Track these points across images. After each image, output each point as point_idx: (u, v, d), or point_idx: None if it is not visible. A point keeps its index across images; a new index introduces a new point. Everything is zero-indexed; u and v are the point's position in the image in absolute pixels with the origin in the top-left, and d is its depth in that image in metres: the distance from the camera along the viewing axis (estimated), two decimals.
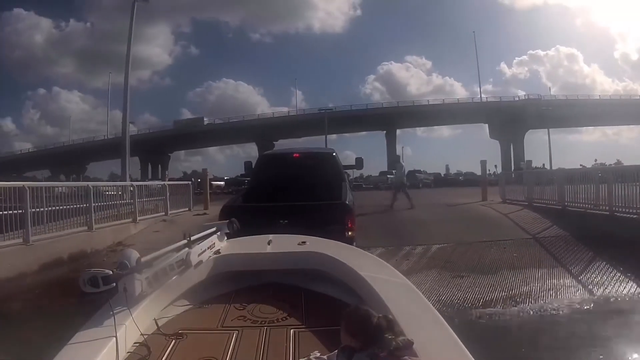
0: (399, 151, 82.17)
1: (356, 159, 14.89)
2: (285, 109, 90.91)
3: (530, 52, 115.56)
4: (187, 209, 19.74)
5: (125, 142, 29.33)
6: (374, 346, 2.18)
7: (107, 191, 15.75)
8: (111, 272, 2.77)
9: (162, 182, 20.36)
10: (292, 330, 3.10)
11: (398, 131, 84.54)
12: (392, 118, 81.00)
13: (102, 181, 44.49)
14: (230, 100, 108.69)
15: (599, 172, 14.86)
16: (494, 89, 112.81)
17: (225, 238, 4.38)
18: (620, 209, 12.36)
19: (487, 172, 25.37)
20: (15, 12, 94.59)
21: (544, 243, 12.17)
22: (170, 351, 2.81)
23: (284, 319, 3.30)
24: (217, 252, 4.07)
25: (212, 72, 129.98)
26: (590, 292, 9.33)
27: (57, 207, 11.71)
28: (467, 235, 13.14)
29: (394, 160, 20.07)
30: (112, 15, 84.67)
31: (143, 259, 3.00)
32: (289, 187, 9.52)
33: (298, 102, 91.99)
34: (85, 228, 12.48)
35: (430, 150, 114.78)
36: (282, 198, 9.00)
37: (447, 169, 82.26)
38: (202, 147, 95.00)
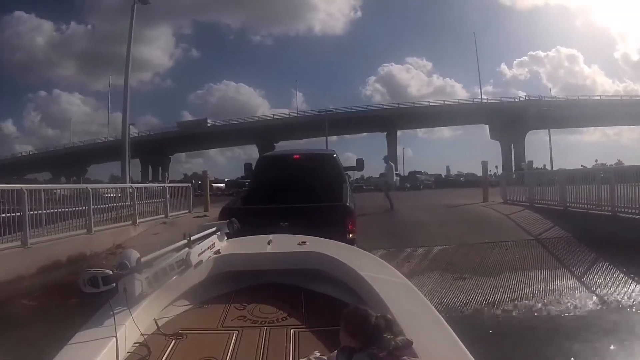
0: (399, 152, 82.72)
1: (357, 160, 14.84)
2: (286, 111, 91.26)
3: (531, 53, 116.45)
4: (187, 211, 19.69)
5: (125, 144, 29.28)
6: (374, 346, 2.17)
7: (107, 193, 15.70)
8: (111, 272, 2.75)
9: (162, 184, 20.30)
10: (292, 330, 3.10)
11: (399, 132, 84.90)
12: (393, 119, 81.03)
13: (103, 183, 44.55)
14: (231, 102, 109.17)
15: (601, 173, 14.74)
16: (494, 90, 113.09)
17: (225, 238, 4.37)
18: (622, 210, 12.29)
19: (488, 173, 25.22)
20: (17, 14, 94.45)
21: (546, 244, 12.07)
22: (170, 351, 2.81)
23: (284, 319, 3.29)
24: (217, 252, 4.06)
25: (213, 74, 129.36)
26: (594, 293, 9.21)
27: (56, 210, 11.65)
28: (469, 236, 13.06)
29: (384, 159, 19.83)
30: (112, 17, 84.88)
31: (143, 259, 2.99)
32: (289, 189, 9.45)
33: (299, 103, 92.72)
34: (85, 231, 12.43)
35: (431, 151, 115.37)
36: (282, 200, 8.94)
37: (448, 170, 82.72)
38: (204, 148, 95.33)
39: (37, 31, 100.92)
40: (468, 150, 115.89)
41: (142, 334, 2.83)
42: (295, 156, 11.56)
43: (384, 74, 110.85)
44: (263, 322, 3.23)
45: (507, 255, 11.43)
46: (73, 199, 12.65)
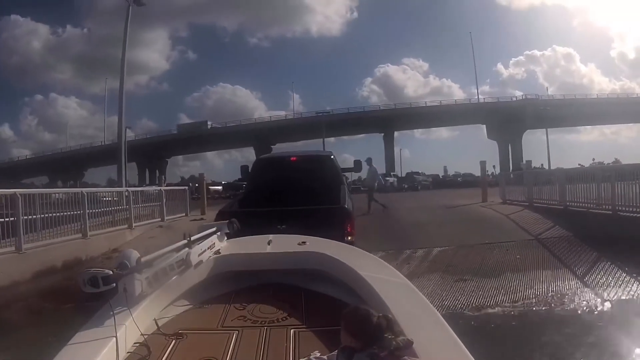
0: (397, 153, 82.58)
1: (354, 161, 14.76)
2: (282, 113, 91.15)
3: (527, 52, 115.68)
4: (184, 214, 19.61)
5: (121, 147, 29.18)
6: (374, 346, 2.15)
7: (104, 197, 15.58)
8: (111, 272, 2.72)
9: (159, 188, 20.19)
10: (292, 330, 3.08)
11: (396, 133, 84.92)
12: (390, 120, 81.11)
13: (100, 187, 44.42)
14: (228, 105, 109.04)
15: (602, 171, 14.64)
16: (491, 89, 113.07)
17: (225, 238, 4.36)
18: (623, 208, 12.22)
19: (486, 173, 25.19)
20: (12, 18, 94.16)
21: (547, 244, 12.03)
22: (170, 351, 2.79)
23: (284, 319, 3.28)
24: (217, 252, 4.06)
25: (210, 76, 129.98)
26: (596, 293, 9.18)
27: (51, 214, 11.52)
28: (469, 237, 13.01)
29: (367, 162, 19.58)
30: (109, 21, 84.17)
31: (143, 259, 2.97)
32: (286, 191, 9.35)
33: (296, 105, 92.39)
34: (80, 235, 12.29)
35: (428, 151, 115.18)
36: (280, 202, 8.81)
37: (445, 170, 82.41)
38: (203, 151, 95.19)
39: (33, 35, 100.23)
40: (465, 151, 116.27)
41: (142, 334, 2.81)
42: (292, 158, 11.47)
43: (381, 75, 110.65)
44: (263, 322, 3.21)
45: (507, 255, 11.37)
46: (68, 203, 12.53)
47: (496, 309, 8.74)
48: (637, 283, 9.30)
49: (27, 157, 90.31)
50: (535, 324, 8.08)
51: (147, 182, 73.24)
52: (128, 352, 2.65)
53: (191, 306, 3.51)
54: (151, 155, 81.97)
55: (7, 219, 10.01)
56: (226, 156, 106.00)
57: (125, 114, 30.92)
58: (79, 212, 12.42)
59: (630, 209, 11.90)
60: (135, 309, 2.83)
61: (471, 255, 11.48)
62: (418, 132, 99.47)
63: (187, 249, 3.49)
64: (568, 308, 8.63)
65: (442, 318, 2.78)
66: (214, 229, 4.20)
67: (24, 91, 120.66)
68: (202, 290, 3.71)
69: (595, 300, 8.87)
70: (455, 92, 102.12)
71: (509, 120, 74.40)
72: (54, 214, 11.70)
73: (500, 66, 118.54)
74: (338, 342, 2.35)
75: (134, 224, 15.14)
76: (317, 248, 4.15)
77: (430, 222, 15.45)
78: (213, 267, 3.89)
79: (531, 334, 7.67)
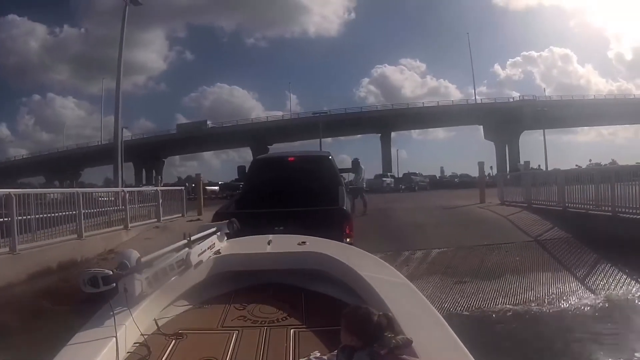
0: (394, 154, 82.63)
1: (352, 162, 14.68)
2: (280, 113, 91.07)
3: (524, 53, 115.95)
4: (180, 215, 19.53)
5: (118, 147, 29.07)
6: (374, 344, 2.17)
7: (101, 197, 15.50)
8: (111, 272, 2.70)
9: (155, 188, 20.10)
10: (292, 330, 3.08)
11: (393, 134, 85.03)
12: (387, 121, 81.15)
13: (97, 187, 44.30)
14: (225, 105, 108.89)
15: (601, 172, 14.62)
16: (488, 90, 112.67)
17: (225, 238, 4.36)
18: (623, 210, 12.17)
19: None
20: (9, 18, 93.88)
21: (547, 246, 12.00)
22: (170, 351, 2.78)
23: (284, 319, 3.27)
24: (217, 252, 4.05)
25: (207, 76, 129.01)
26: (597, 295, 9.15)
27: (46, 215, 11.46)
28: (468, 238, 12.96)
29: (354, 163, 19.38)
30: (106, 21, 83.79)
31: (143, 259, 2.95)
32: (283, 192, 9.26)
33: (293, 106, 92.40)
34: (75, 236, 12.22)
35: (425, 152, 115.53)
36: (277, 203, 8.72)
37: (442, 171, 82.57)
38: (201, 151, 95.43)
39: (30, 34, 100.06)
40: (462, 151, 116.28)
41: (142, 334, 2.80)
42: (289, 158, 11.39)
43: (378, 75, 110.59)
44: (263, 322, 3.21)
45: (507, 257, 11.34)
46: (63, 204, 12.45)
47: (496, 311, 8.68)
48: (639, 285, 9.25)
49: (24, 156, 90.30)
50: (536, 327, 8.04)
51: (144, 182, 73.15)
52: (128, 352, 2.64)
53: (191, 306, 3.51)
54: (148, 155, 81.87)
55: (2, 220, 9.95)
56: (223, 156, 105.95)
57: (122, 114, 30.93)
58: (74, 212, 12.33)
59: (631, 211, 11.86)
60: (135, 309, 2.83)
61: (470, 257, 11.42)
62: (415, 133, 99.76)
63: (187, 249, 3.49)
64: (569, 310, 8.60)
65: (442, 318, 2.78)
66: (214, 229, 4.19)
67: (21, 91, 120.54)
68: (202, 290, 3.70)
69: (596, 303, 8.82)
70: (453, 92, 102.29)
71: (506, 121, 74.53)
72: (49, 215, 11.61)
73: (497, 67, 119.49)
74: (338, 342, 2.35)
75: (130, 225, 15.07)
76: (317, 248, 4.15)
77: (429, 223, 15.39)
78: (213, 267, 3.88)
79: (532, 336, 7.67)
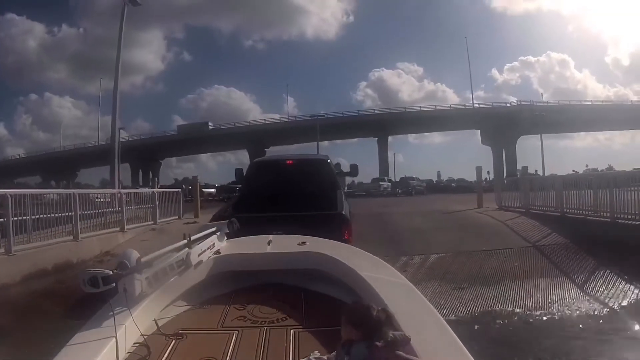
0: (390, 158, 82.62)
1: (350, 165, 14.68)
2: (277, 116, 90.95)
3: (522, 58, 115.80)
4: (177, 217, 19.51)
5: (115, 148, 28.98)
6: (373, 338, 2.20)
7: (97, 198, 15.42)
8: (111, 272, 2.71)
9: (152, 190, 20.04)
10: (292, 330, 3.10)
11: (390, 138, 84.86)
12: (384, 124, 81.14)
13: (93, 187, 44.21)
14: (222, 107, 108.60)
15: (600, 178, 14.58)
16: (485, 95, 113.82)
17: (225, 238, 4.37)
18: (622, 215, 12.17)
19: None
20: (8, 16, 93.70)
21: (545, 251, 11.98)
22: (170, 351, 2.80)
23: (284, 319, 3.30)
24: (217, 252, 4.08)
25: (205, 78, 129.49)
26: (596, 301, 9.12)
27: (42, 216, 11.38)
28: (466, 244, 12.94)
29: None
30: (104, 21, 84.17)
31: (143, 259, 2.96)
32: (281, 196, 9.19)
33: (290, 108, 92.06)
34: (71, 237, 12.14)
35: (422, 156, 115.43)
36: (275, 207, 8.67)
37: (439, 175, 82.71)
38: (200, 153, 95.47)
39: (28, 34, 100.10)
40: (459, 156, 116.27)
41: (142, 334, 2.81)
42: (288, 161, 11.29)
43: (375, 78, 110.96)
44: (263, 322, 3.23)
45: (505, 263, 11.32)
46: (60, 205, 12.37)
47: (495, 317, 8.64)
48: (638, 290, 9.21)
49: (21, 156, 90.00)
50: (535, 333, 7.99)
51: (141, 183, 73.04)
52: (128, 352, 2.65)
53: (191, 306, 3.52)
54: (145, 156, 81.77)
55: None
56: (220, 159, 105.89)
57: (119, 115, 30.77)
58: (70, 213, 12.25)
59: (630, 216, 11.85)
60: (135, 309, 2.83)
61: (469, 262, 11.39)
62: (412, 137, 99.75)
63: (187, 249, 3.50)
64: (568, 316, 8.55)
65: (441, 318, 2.80)
66: (213, 229, 4.20)
67: (19, 90, 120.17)
68: (202, 290, 3.72)
69: (596, 309, 8.79)
70: (450, 97, 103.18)
71: (503, 125, 74.63)
72: (45, 216, 11.54)
73: (495, 71, 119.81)
74: (338, 342, 2.38)
75: (126, 227, 15.01)
76: (317, 248, 4.17)
77: (427, 228, 15.37)
78: (213, 267, 3.90)
79: (530, 342, 7.60)
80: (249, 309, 3.43)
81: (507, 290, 9.67)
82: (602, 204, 13.11)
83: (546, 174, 41.95)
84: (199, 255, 3.64)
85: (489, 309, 8.95)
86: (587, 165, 61.66)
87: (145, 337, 2.81)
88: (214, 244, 4.04)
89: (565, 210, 15.06)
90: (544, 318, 8.52)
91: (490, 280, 10.27)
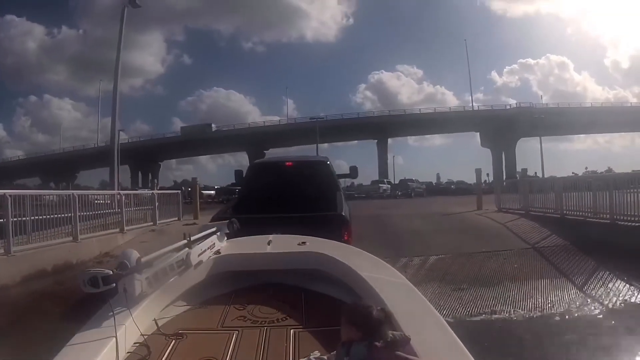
0: (390, 160, 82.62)
1: (350, 167, 14.61)
2: (276, 118, 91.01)
3: (521, 60, 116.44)
4: (176, 218, 19.51)
5: (114, 150, 28.96)
6: (373, 337, 2.21)
7: (97, 199, 15.40)
8: (111, 272, 2.70)
9: (151, 191, 20.04)
10: (292, 330, 3.10)
11: (389, 140, 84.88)
12: (384, 127, 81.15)
13: (93, 189, 44.15)
14: (222, 109, 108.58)
15: (599, 180, 14.60)
16: (485, 97, 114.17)
17: (225, 238, 4.38)
18: (621, 217, 12.18)
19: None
20: (8, 18, 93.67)
21: (545, 253, 12.00)
22: (170, 351, 2.80)
23: (284, 319, 3.29)
24: (217, 252, 4.07)
25: (204, 80, 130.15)
26: (596, 302, 9.10)
27: (41, 217, 11.36)
28: (465, 245, 12.95)
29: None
30: (104, 23, 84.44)
31: (143, 259, 2.96)
32: (281, 197, 9.18)
33: (290, 110, 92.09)
34: (70, 238, 12.11)
35: (422, 159, 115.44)
36: (274, 209, 8.63)
37: (438, 177, 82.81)
38: (200, 155, 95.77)
39: (28, 35, 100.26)
40: (458, 158, 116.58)
41: (142, 334, 2.81)
42: (287, 163, 11.27)
43: (375, 81, 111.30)
44: (263, 322, 3.23)
45: (505, 264, 11.33)
46: (59, 206, 12.36)
47: (494, 318, 8.63)
48: (637, 292, 9.21)
49: (20, 157, 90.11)
50: (534, 334, 7.96)
51: (140, 185, 73.03)
52: (128, 352, 2.65)
53: (191, 306, 3.52)
54: (144, 158, 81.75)
55: None
56: (219, 161, 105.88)
57: (119, 117, 30.75)
58: (69, 214, 12.23)
59: (630, 218, 11.86)
60: (135, 309, 2.83)
61: (468, 263, 11.40)
62: (411, 139, 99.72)
63: (187, 249, 3.49)
64: (567, 318, 8.52)
65: (442, 318, 2.80)
66: (214, 229, 4.21)
67: (18, 92, 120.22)
68: (202, 290, 3.71)
69: (595, 310, 8.78)
70: (450, 99, 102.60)
71: (502, 128, 74.65)
72: (45, 217, 11.53)
73: (494, 74, 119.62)
74: (338, 342, 2.38)
75: (125, 228, 15.00)
76: (317, 248, 4.17)
77: (426, 230, 15.40)
78: (213, 267, 3.90)
79: (530, 344, 7.58)
80: (249, 309, 3.43)
81: (506, 292, 9.66)
82: (601, 205, 13.12)
83: (546, 177, 41.85)
84: (199, 256, 3.63)
85: (489, 309, 8.93)
86: (586, 168, 61.90)
87: (145, 337, 2.81)
88: (214, 244, 4.04)
89: (564, 212, 15.07)
90: (544, 319, 8.50)
91: (489, 281, 10.27)
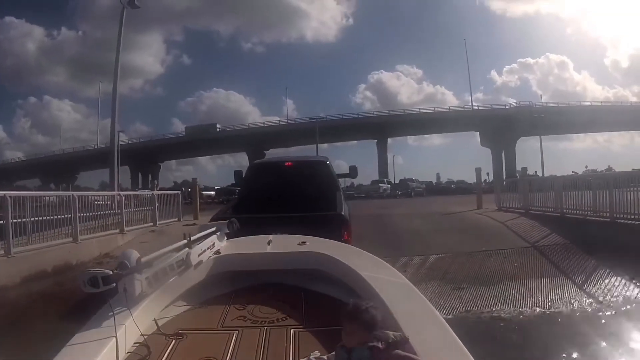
0: (390, 160, 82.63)
1: (350, 167, 14.61)
2: (276, 118, 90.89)
3: (521, 60, 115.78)
4: (176, 219, 19.50)
5: (114, 151, 28.97)
6: (374, 339, 2.21)
7: (97, 200, 15.40)
8: (111, 272, 2.71)
9: (151, 192, 20.04)
10: (292, 330, 3.09)
11: (389, 140, 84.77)
12: (384, 127, 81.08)
13: (93, 190, 44.16)
14: (222, 110, 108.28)
15: (599, 179, 14.61)
16: (484, 97, 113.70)
17: (225, 238, 4.38)
18: (621, 216, 12.19)
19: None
20: (7, 20, 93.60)
21: (545, 251, 11.97)
22: (170, 351, 2.79)
23: (284, 319, 3.29)
24: (217, 252, 4.07)
25: (204, 81, 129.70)
26: (596, 301, 9.11)
27: (42, 218, 11.38)
28: (466, 244, 12.95)
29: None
30: (103, 24, 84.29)
31: (143, 259, 2.96)
32: (281, 197, 9.19)
33: (289, 111, 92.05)
34: (70, 239, 12.11)
35: (421, 158, 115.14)
36: (274, 209, 8.63)
37: (438, 177, 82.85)
38: (200, 155, 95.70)
39: (27, 36, 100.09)
40: (458, 158, 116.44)
41: (142, 334, 2.80)
42: (287, 163, 11.27)
43: (375, 81, 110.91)
44: (263, 322, 3.22)
45: (505, 263, 11.32)
46: (59, 207, 12.35)
47: (494, 317, 8.62)
48: (638, 290, 9.20)
49: (20, 159, 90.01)
50: (534, 332, 7.96)
51: (140, 186, 73.05)
52: (128, 352, 2.65)
53: (191, 306, 3.51)
54: (144, 159, 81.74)
55: None
56: (219, 161, 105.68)
57: (118, 118, 30.76)
58: (69, 215, 12.23)
59: (629, 216, 11.87)
60: (135, 309, 2.83)
61: (468, 263, 11.39)
62: (411, 139, 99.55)
63: (187, 249, 3.49)
64: (568, 316, 8.52)
65: (442, 318, 2.79)
66: (213, 229, 4.21)
67: (18, 93, 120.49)
68: (202, 290, 3.71)
69: (596, 309, 8.78)
70: (449, 99, 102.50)
71: (502, 127, 74.62)
72: (45, 218, 11.52)
73: (494, 73, 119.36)
74: (338, 342, 2.38)
75: (125, 229, 14.99)
76: (317, 248, 4.16)
77: (426, 229, 15.41)
78: (213, 267, 3.90)
79: (530, 342, 7.58)
80: (249, 309, 3.42)
81: (506, 290, 9.66)
82: (601, 204, 13.13)
83: (546, 176, 41.85)
84: (199, 256, 3.63)
85: (489, 308, 8.94)
86: (586, 166, 61.87)
87: (145, 337, 2.80)
88: (214, 244, 4.04)
89: (564, 210, 15.07)
90: (544, 318, 8.51)
91: (489, 280, 10.27)
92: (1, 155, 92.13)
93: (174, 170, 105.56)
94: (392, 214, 19.26)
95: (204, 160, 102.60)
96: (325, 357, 2.53)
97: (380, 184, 61.12)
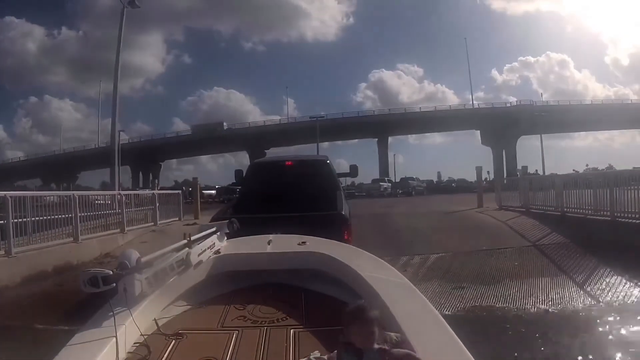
0: (390, 159, 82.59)
1: (350, 166, 14.58)
2: (277, 117, 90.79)
3: (521, 58, 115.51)
4: (177, 218, 19.52)
5: (115, 150, 28.97)
6: (378, 341, 2.23)
7: (97, 200, 15.40)
8: (111, 272, 2.72)
9: (152, 191, 20.03)
10: (292, 330, 3.09)
11: (390, 138, 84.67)
12: (384, 125, 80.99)
13: (94, 190, 44.16)
14: (222, 109, 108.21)
15: (599, 177, 14.58)
16: (485, 95, 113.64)
17: (225, 238, 4.42)
18: (622, 214, 12.18)
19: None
20: (7, 19, 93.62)
21: (546, 250, 11.98)
22: (170, 351, 2.79)
23: (284, 319, 3.29)
24: (217, 252, 4.10)
25: (204, 80, 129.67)
26: (597, 300, 9.05)
27: (42, 218, 11.40)
28: (466, 243, 12.96)
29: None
30: (104, 24, 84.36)
31: (143, 259, 2.98)
32: (281, 197, 9.16)
33: (290, 110, 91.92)
34: (71, 239, 12.13)
35: (422, 157, 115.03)
36: (275, 208, 8.62)
37: (439, 175, 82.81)
38: (202, 154, 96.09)
39: (28, 36, 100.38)
40: (459, 156, 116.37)
41: (142, 334, 2.82)
42: (287, 162, 11.25)
43: (375, 80, 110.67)
44: (263, 322, 3.22)
45: (506, 262, 11.30)
46: (60, 207, 12.37)
47: (495, 316, 8.58)
48: (638, 289, 9.19)
49: (21, 159, 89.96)
50: (535, 332, 7.91)
51: (141, 185, 73.03)
52: (128, 352, 2.65)
53: (191, 306, 3.52)
54: (145, 158, 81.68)
55: None
56: (220, 160, 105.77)
57: (119, 117, 30.77)
58: (70, 215, 12.24)
59: (630, 215, 11.86)
60: (135, 309, 2.84)
61: (469, 262, 11.38)
62: (412, 138, 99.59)
63: (187, 249, 3.51)
64: (568, 315, 8.47)
65: (442, 318, 2.78)
66: (213, 229, 4.25)
67: (19, 93, 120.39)
68: (202, 290, 3.72)
69: (596, 308, 8.72)
70: (450, 97, 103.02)
71: (503, 126, 74.51)
72: (45, 217, 11.54)
73: (494, 72, 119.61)
74: (338, 342, 2.38)
75: (126, 228, 15.00)
76: (317, 248, 4.19)
77: (427, 228, 15.39)
78: (213, 267, 3.92)
79: (531, 341, 7.55)
80: (249, 309, 3.42)
81: (507, 289, 9.62)
82: (602, 203, 13.10)
83: (546, 174, 41.81)
84: (199, 255, 3.64)
85: (490, 308, 8.90)
86: (587, 165, 61.55)
87: (145, 337, 2.81)
88: (214, 244, 4.05)
89: (565, 209, 15.07)
90: (545, 317, 8.46)
91: (490, 279, 10.24)
92: (2, 155, 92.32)
93: (175, 170, 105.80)
94: (393, 213, 19.29)
95: (204, 159, 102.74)
96: (325, 357, 2.52)
97: (381, 183, 61.12)
